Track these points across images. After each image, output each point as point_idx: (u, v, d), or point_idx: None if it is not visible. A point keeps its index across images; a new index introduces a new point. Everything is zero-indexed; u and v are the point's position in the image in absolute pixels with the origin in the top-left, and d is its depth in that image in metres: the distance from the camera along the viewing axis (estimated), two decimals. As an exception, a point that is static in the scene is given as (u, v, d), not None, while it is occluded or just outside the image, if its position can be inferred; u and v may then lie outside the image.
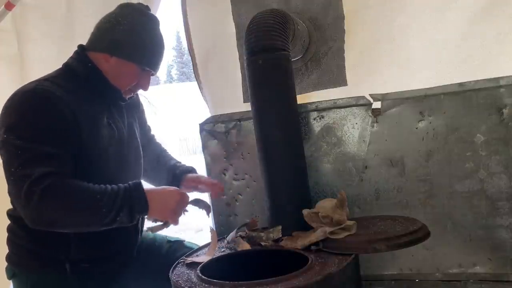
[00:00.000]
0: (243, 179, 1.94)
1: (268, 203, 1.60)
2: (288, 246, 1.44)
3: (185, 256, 1.50)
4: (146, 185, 1.50)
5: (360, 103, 1.74)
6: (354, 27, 1.91)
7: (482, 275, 1.63)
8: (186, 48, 2.29)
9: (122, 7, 1.53)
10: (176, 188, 1.52)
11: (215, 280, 1.23)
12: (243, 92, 2.10)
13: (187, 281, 1.29)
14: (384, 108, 1.71)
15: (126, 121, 1.61)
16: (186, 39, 2.24)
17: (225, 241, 1.60)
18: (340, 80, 1.95)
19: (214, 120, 1.99)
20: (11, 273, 1.51)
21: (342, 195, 1.48)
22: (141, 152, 1.67)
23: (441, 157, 1.65)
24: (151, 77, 1.58)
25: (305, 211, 1.50)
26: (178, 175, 1.74)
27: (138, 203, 1.36)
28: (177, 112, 22.81)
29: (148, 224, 1.55)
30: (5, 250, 1.53)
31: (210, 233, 1.60)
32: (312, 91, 2.00)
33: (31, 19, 2.29)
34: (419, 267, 1.70)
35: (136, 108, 1.75)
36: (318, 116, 1.81)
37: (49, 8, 2.28)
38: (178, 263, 1.45)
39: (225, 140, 1.96)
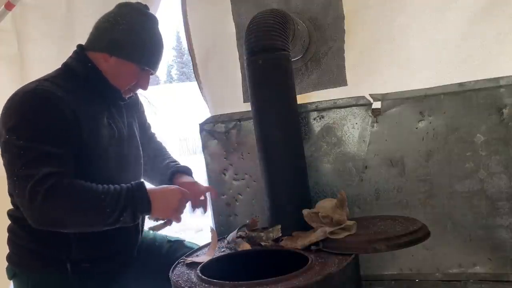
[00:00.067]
0: (243, 179, 1.94)
1: (268, 203, 1.60)
2: (288, 246, 1.44)
3: (185, 256, 1.50)
4: (148, 185, 1.50)
5: (360, 103, 1.74)
6: (354, 27, 1.92)
7: (482, 275, 1.63)
8: (186, 48, 2.29)
9: (120, 6, 1.53)
10: (177, 186, 1.52)
11: (215, 280, 1.23)
12: (243, 92, 2.10)
13: (187, 281, 1.29)
14: (384, 108, 1.71)
15: (126, 120, 1.61)
16: (186, 39, 2.24)
17: (225, 241, 1.60)
18: (340, 80, 1.95)
19: (214, 120, 1.99)
20: (12, 273, 1.51)
21: (342, 195, 1.48)
22: (141, 152, 1.67)
23: (441, 157, 1.65)
24: (151, 76, 1.59)
25: (305, 211, 1.50)
26: (168, 176, 1.70)
27: (141, 203, 1.37)
28: (177, 112, 22.80)
29: (149, 223, 1.55)
30: (6, 250, 1.53)
31: (210, 233, 1.61)
32: (312, 91, 2.00)
33: (31, 19, 2.29)
34: (419, 267, 1.70)
35: (135, 107, 1.75)
36: (318, 116, 1.81)
37: (49, 8, 2.28)
38: (178, 263, 1.45)
39: (225, 140, 1.96)
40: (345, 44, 1.93)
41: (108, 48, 1.47)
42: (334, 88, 1.96)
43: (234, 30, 2.11)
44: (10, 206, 1.49)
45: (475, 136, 1.60)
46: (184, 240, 1.77)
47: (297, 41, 1.82)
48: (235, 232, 1.59)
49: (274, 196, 1.58)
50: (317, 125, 1.81)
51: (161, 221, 1.51)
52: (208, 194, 1.70)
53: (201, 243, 1.68)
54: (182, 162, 1.85)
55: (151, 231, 1.61)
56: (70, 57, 1.53)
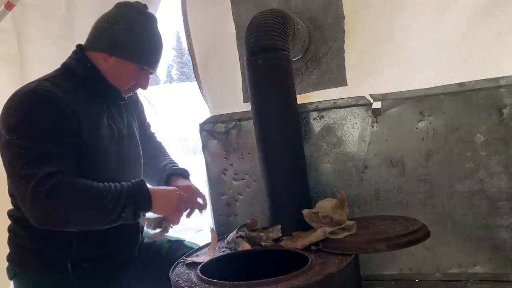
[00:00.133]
0: (243, 179, 1.94)
1: (268, 203, 1.60)
2: (288, 246, 1.44)
3: (185, 256, 1.50)
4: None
5: (360, 103, 1.74)
6: (354, 27, 1.92)
7: (482, 275, 1.63)
8: (186, 48, 2.29)
9: (119, 5, 1.53)
10: (175, 188, 1.53)
11: (215, 280, 1.23)
12: (243, 92, 2.10)
13: (187, 281, 1.29)
14: (384, 108, 1.71)
15: (126, 120, 1.61)
16: (186, 39, 2.24)
17: (225, 241, 1.60)
18: (340, 80, 1.95)
19: (214, 120, 1.99)
20: (12, 273, 1.51)
21: (342, 195, 1.48)
22: (141, 152, 1.67)
23: (441, 157, 1.65)
24: (151, 76, 1.59)
25: (305, 211, 1.50)
26: (165, 178, 1.69)
27: (142, 200, 1.39)
28: (177, 112, 22.82)
29: (146, 228, 1.55)
30: (6, 250, 1.53)
31: (210, 233, 1.61)
32: (312, 91, 2.00)
33: (31, 19, 2.29)
34: (419, 267, 1.70)
35: (135, 106, 1.75)
36: (318, 116, 1.80)
37: (49, 8, 2.28)
38: (178, 263, 1.45)
39: (225, 140, 1.96)
40: (345, 44, 1.93)
41: (108, 48, 1.47)
42: (334, 88, 1.96)
43: (234, 30, 2.11)
44: (10, 206, 1.49)
45: (475, 136, 1.60)
46: (184, 240, 1.77)
47: (297, 41, 1.82)
48: (235, 232, 1.59)
49: (274, 196, 1.58)
50: (317, 125, 1.81)
51: (159, 229, 1.51)
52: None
53: (201, 243, 1.68)
54: (182, 162, 1.86)
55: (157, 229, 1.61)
56: (70, 57, 1.53)
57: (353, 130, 1.76)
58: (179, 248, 1.69)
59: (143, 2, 1.56)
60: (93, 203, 1.31)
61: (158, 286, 1.59)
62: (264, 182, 1.60)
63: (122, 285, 1.59)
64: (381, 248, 1.30)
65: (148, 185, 1.45)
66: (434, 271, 1.69)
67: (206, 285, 1.23)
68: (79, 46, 1.53)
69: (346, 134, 1.77)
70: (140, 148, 1.67)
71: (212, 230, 1.62)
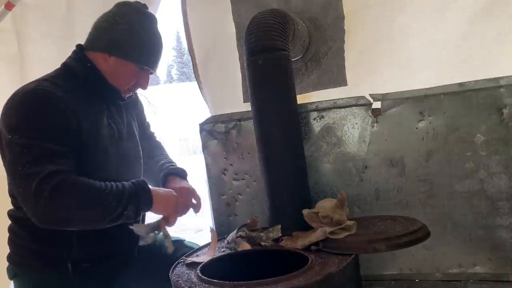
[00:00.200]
0: (243, 179, 1.94)
1: (268, 203, 1.60)
2: (288, 246, 1.44)
3: (185, 256, 1.50)
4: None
5: (360, 103, 1.74)
6: (354, 27, 1.92)
7: (482, 275, 1.63)
8: (186, 48, 2.29)
9: (119, 5, 1.53)
10: (171, 190, 1.54)
11: (215, 280, 1.23)
12: (243, 92, 2.10)
13: (187, 281, 1.29)
14: (384, 108, 1.71)
15: (125, 120, 1.61)
16: (186, 39, 2.24)
17: (225, 241, 1.60)
18: (340, 80, 1.95)
19: (214, 120, 1.99)
20: (13, 273, 1.51)
21: (342, 195, 1.48)
22: (141, 152, 1.67)
23: (441, 157, 1.65)
24: (151, 76, 1.59)
25: (305, 211, 1.50)
26: (162, 178, 1.68)
27: (144, 198, 1.40)
28: (177, 112, 22.82)
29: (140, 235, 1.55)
30: (6, 250, 1.53)
31: (210, 233, 1.61)
32: (312, 91, 2.00)
33: (31, 19, 2.29)
34: (419, 267, 1.70)
35: (134, 106, 1.75)
36: (318, 116, 1.80)
37: (49, 8, 2.28)
38: (178, 263, 1.45)
39: (225, 140, 1.96)
40: (345, 44, 1.93)
41: (107, 48, 1.47)
42: (334, 88, 1.96)
43: (234, 30, 2.11)
44: (10, 206, 1.49)
45: (475, 136, 1.60)
46: (184, 240, 1.77)
47: (297, 41, 1.82)
48: (235, 232, 1.59)
49: (274, 196, 1.58)
50: (317, 125, 1.81)
51: (151, 234, 1.52)
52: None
53: (201, 243, 1.68)
54: (182, 162, 1.86)
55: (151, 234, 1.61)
56: (70, 57, 1.53)
57: (353, 130, 1.76)
58: (179, 248, 1.69)
59: (143, 2, 1.56)
60: (95, 202, 1.32)
61: (158, 286, 1.59)
62: (264, 182, 1.60)
63: (122, 285, 1.59)
64: (381, 248, 1.30)
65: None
66: (434, 271, 1.69)
67: (206, 285, 1.23)
68: (79, 46, 1.53)
69: (346, 134, 1.77)
70: (140, 148, 1.67)
71: (212, 230, 1.62)
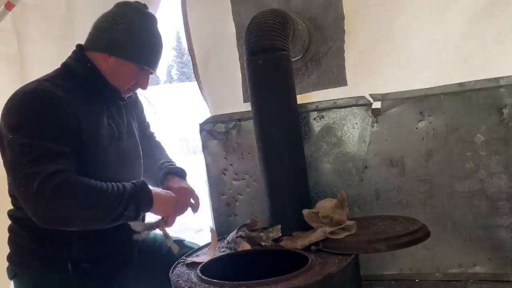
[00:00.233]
0: (243, 179, 1.94)
1: (268, 203, 1.60)
2: (288, 246, 1.44)
3: (185, 256, 1.50)
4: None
5: (360, 103, 1.74)
6: (354, 27, 1.92)
7: (482, 275, 1.63)
8: (186, 48, 2.29)
9: (119, 5, 1.53)
10: (169, 191, 1.54)
11: (215, 280, 1.23)
12: (243, 92, 2.10)
13: (187, 281, 1.29)
14: (384, 108, 1.71)
15: (125, 120, 1.61)
16: (186, 39, 2.24)
17: (225, 241, 1.60)
18: (340, 80, 1.95)
19: (214, 120, 1.99)
20: (13, 273, 1.51)
21: (342, 195, 1.48)
22: (141, 152, 1.67)
23: (441, 157, 1.65)
24: (151, 76, 1.59)
25: (305, 211, 1.50)
26: (161, 177, 1.68)
27: (144, 200, 1.40)
28: (177, 112, 22.82)
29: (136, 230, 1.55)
30: (6, 250, 1.53)
31: (210, 233, 1.61)
32: (312, 91, 2.00)
33: (31, 19, 2.29)
34: (419, 267, 1.70)
35: (134, 106, 1.75)
36: (318, 116, 1.81)
37: (49, 8, 2.28)
38: (178, 263, 1.46)
39: (225, 140, 1.96)
40: (345, 44, 1.93)
41: (107, 48, 1.47)
42: (334, 88, 1.96)
43: (234, 30, 2.11)
44: (10, 206, 1.49)
45: (475, 136, 1.60)
46: (184, 240, 1.77)
47: (297, 41, 1.82)
48: (235, 232, 1.59)
49: (274, 196, 1.58)
50: (317, 125, 1.81)
51: (146, 232, 1.52)
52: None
53: (201, 243, 1.68)
54: (182, 162, 1.85)
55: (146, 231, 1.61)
56: (69, 57, 1.53)
57: (353, 130, 1.76)
58: (179, 248, 1.69)
59: (143, 2, 1.56)
60: (96, 202, 1.32)
61: (158, 286, 1.59)
62: (264, 182, 1.60)
63: (122, 285, 1.59)
64: (381, 248, 1.30)
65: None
66: (434, 271, 1.69)
67: (206, 285, 1.23)
68: (79, 46, 1.53)
69: (346, 134, 1.77)
70: (140, 148, 1.67)
71: (212, 230, 1.62)
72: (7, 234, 1.53)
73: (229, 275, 1.27)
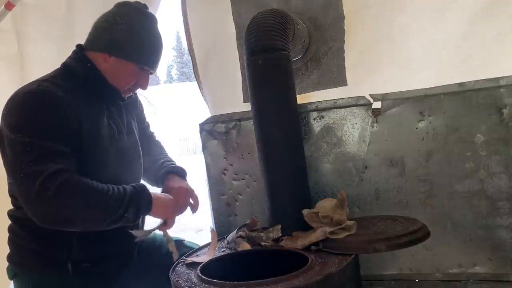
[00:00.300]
0: (243, 179, 1.94)
1: (268, 203, 1.60)
2: (288, 246, 1.44)
3: (185, 256, 1.50)
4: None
5: (360, 103, 1.74)
6: (354, 27, 1.92)
7: (482, 275, 1.63)
8: (186, 48, 2.29)
9: (119, 5, 1.53)
10: (167, 194, 1.55)
11: (215, 280, 1.23)
12: (243, 92, 2.10)
13: (187, 281, 1.29)
14: (384, 108, 1.71)
15: (125, 120, 1.61)
16: (186, 39, 2.24)
17: (225, 241, 1.60)
18: (340, 80, 1.95)
19: (214, 120, 1.99)
20: (13, 273, 1.51)
21: (342, 195, 1.48)
22: (141, 152, 1.67)
23: (441, 157, 1.65)
24: (151, 76, 1.59)
25: (305, 211, 1.50)
26: (161, 176, 1.68)
27: (144, 201, 1.41)
28: (177, 112, 22.82)
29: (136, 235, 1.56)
30: (6, 250, 1.53)
31: (210, 233, 1.61)
32: (312, 91, 2.00)
33: (31, 19, 2.29)
34: (419, 267, 1.70)
35: (134, 106, 1.75)
36: (318, 116, 1.81)
37: (49, 8, 2.28)
38: (178, 263, 1.46)
39: (225, 140, 1.96)
40: (345, 44, 1.93)
41: (107, 48, 1.47)
42: (334, 88, 1.96)
43: (234, 30, 2.11)
44: (10, 206, 1.49)
45: (475, 136, 1.60)
46: (184, 240, 1.77)
47: (297, 41, 1.82)
48: (235, 232, 1.59)
49: (274, 196, 1.58)
50: (317, 125, 1.81)
51: (145, 229, 1.53)
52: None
53: (201, 243, 1.68)
54: (182, 162, 1.85)
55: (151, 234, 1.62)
56: (69, 57, 1.53)
57: (353, 130, 1.76)
58: (179, 248, 1.69)
59: (143, 2, 1.56)
60: (97, 202, 1.32)
61: (158, 286, 1.59)
62: (264, 182, 1.60)
63: (122, 285, 1.59)
64: (381, 248, 1.30)
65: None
66: (434, 271, 1.69)
67: (206, 285, 1.23)
68: (79, 46, 1.53)
69: (346, 134, 1.77)
70: (140, 148, 1.67)
71: (212, 230, 1.62)
72: (7, 234, 1.53)
73: (229, 275, 1.27)
